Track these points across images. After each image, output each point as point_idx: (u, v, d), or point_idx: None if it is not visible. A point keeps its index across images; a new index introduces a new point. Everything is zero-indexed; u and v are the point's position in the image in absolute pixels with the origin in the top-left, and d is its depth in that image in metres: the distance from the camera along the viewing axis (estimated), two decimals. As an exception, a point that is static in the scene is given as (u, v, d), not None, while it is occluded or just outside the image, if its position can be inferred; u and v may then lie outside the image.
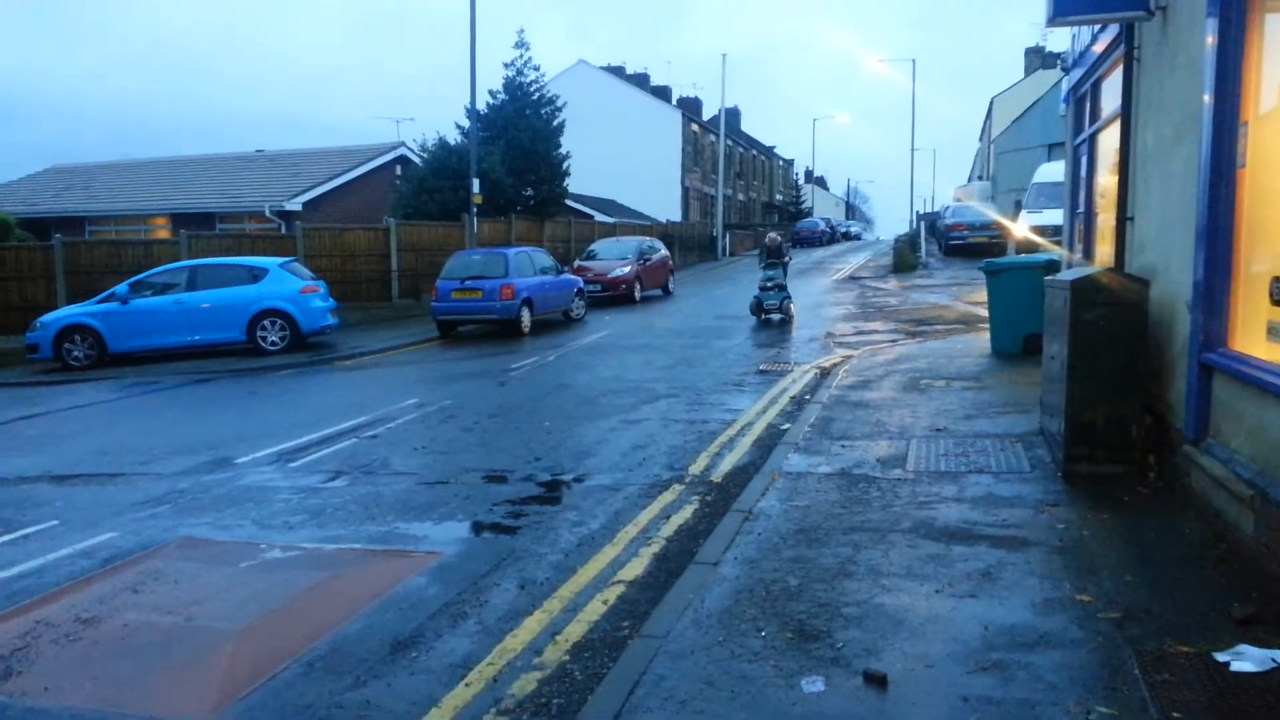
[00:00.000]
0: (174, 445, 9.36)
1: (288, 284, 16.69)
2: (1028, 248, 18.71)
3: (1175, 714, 3.23)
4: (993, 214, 31.95)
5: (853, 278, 29.14)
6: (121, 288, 16.53)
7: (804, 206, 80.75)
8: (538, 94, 31.10)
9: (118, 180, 32.17)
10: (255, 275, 16.69)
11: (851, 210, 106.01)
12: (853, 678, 3.70)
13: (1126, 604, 4.20)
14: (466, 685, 4.08)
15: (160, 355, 16.26)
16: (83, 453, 9.34)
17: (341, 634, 4.66)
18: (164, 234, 26.21)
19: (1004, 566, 4.74)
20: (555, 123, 31.18)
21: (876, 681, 3.63)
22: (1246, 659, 3.47)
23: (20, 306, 19.46)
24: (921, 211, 54.91)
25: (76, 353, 16.01)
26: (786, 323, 17.99)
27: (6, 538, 6.47)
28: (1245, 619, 3.83)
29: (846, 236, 67.40)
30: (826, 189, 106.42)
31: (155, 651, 4.57)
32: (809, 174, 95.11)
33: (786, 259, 18.87)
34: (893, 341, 14.52)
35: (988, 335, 12.33)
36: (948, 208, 38.84)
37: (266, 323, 16.36)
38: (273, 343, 16.35)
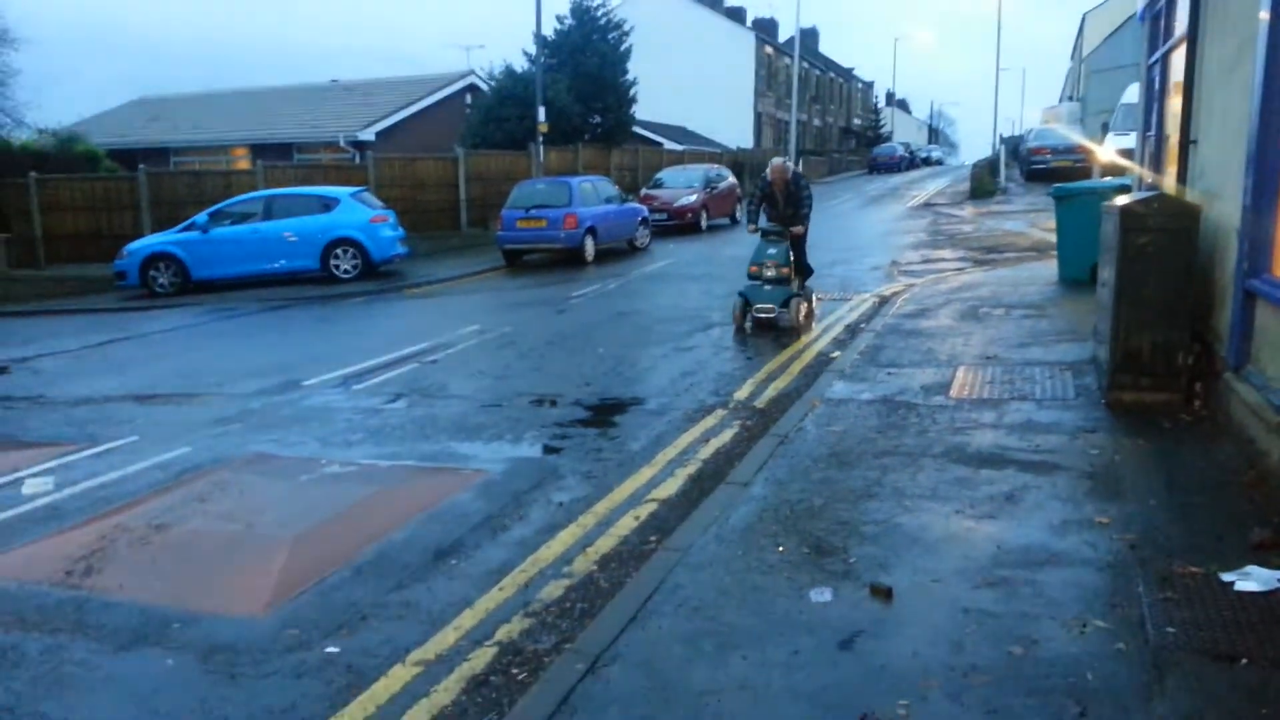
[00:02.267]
0: (247, 368, 9.84)
1: (358, 213, 17.08)
2: (1113, 171, 17.98)
3: (1170, 629, 3.29)
4: (1077, 137, 30.63)
5: (927, 204, 28.43)
6: (201, 217, 17.15)
7: (883, 131, 78.43)
8: (605, 19, 30.69)
9: (200, 111, 32.98)
10: (327, 205, 17.12)
11: (934, 134, 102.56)
12: (860, 590, 3.83)
13: (1144, 527, 4.22)
14: (500, 589, 4.34)
15: (239, 283, 16.89)
16: (164, 374, 9.89)
17: (389, 542, 4.96)
18: (244, 164, 26.90)
19: (1028, 490, 4.78)
20: (623, 48, 30.78)
21: (882, 594, 3.76)
22: (1252, 579, 3.50)
23: (109, 235, 20.29)
24: (1005, 135, 52.91)
25: (161, 280, 16.74)
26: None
27: (91, 451, 6.98)
28: (1260, 544, 3.83)
29: (927, 162, 65.35)
30: (909, 112, 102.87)
31: (218, 555, 4.96)
32: (890, 97, 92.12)
33: (804, 213, 10.50)
34: (959, 270, 14.25)
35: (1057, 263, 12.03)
36: (1031, 131, 37.37)
37: (339, 251, 16.82)
38: (345, 271, 16.83)
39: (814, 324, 10.32)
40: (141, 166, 22.23)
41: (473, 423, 7.26)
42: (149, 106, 35.17)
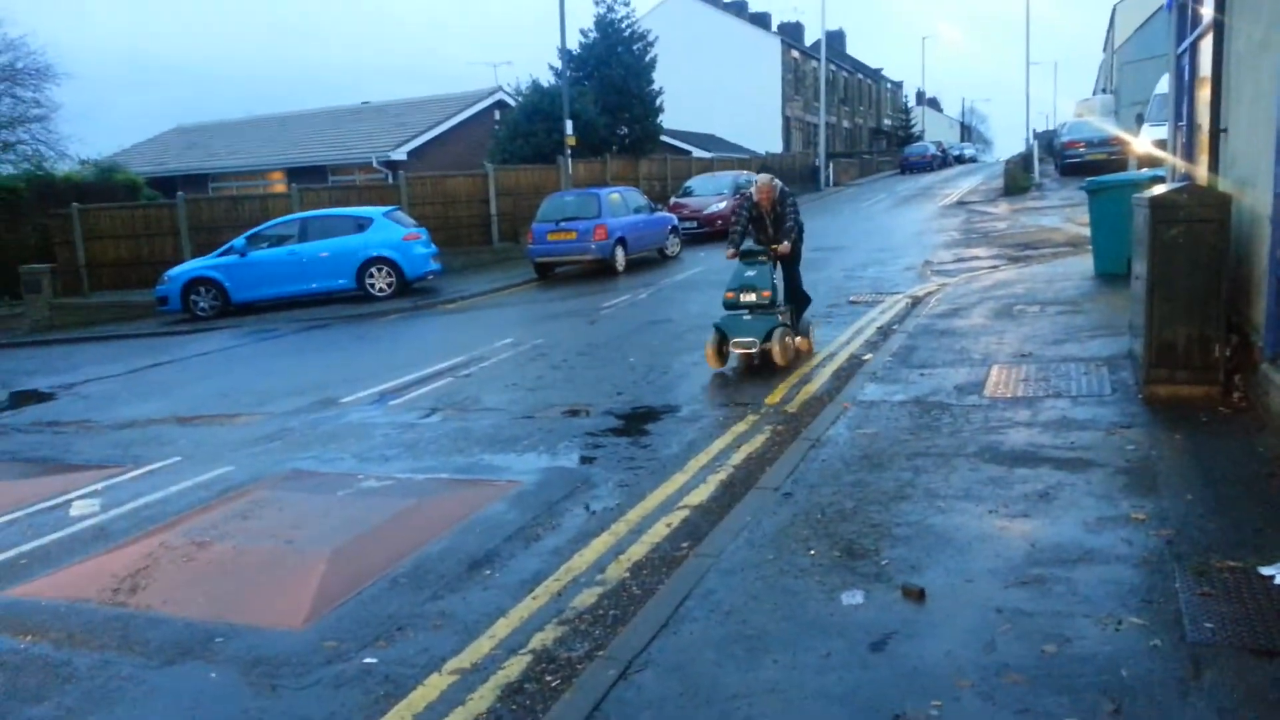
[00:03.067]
0: (286, 387, 10.01)
1: (391, 232, 17.31)
2: (1149, 163, 17.67)
3: (1208, 625, 3.24)
4: (1112, 129, 30.20)
5: (960, 203, 28.16)
6: (239, 241, 17.48)
7: (914, 130, 77.81)
8: (629, 30, 30.83)
9: (237, 138, 33.66)
10: (361, 225, 17.37)
11: (967, 132, 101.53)
12: (892, 592, 3.82)
13: (1181, 522, 4.16)
14: (533, 599, 4.39)
15: (278, 304, 17.19)
16: (205, 395, 10.10)
17: (424, 554, 5.03)
18: (280, 188, 27.39)
19: (1063, 488, 4.73)
20: (648, 58, 30.91)
21: (914, 595, 3.74)
22: (1292, 574, 3.43)
23: (150, 261, 20.74)
24: (1039, 130, 52.28)
25: (202, 304, 17.09)
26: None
27: (136, 472, 7.14)
28: (1301, 536, 3.76)
29: (960, 160, 64.72)
30: (940, 110, 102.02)
31: (259, 570, 5.05)
32: (920, 95, 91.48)
33: (788, 228, 8.80)
34: (993, 267, 14.12)
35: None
36: (1064, 124, 36.89)
37: (374, 270, 17.05)
38: (380, 289, 17.06)
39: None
40: (180, 193, 22.71)
41: (506, 435, 7.32)
42: (186, 135, 35.95)
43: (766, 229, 8.92)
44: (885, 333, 9.79)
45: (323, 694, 3.69)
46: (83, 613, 4.66)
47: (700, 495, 5.56)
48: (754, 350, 8.43)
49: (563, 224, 17.96)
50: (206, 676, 3.91)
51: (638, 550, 4.84)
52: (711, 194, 24.34)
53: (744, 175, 26.45)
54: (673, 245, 20.29)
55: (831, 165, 45.56)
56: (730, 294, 8.69)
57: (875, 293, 12.72)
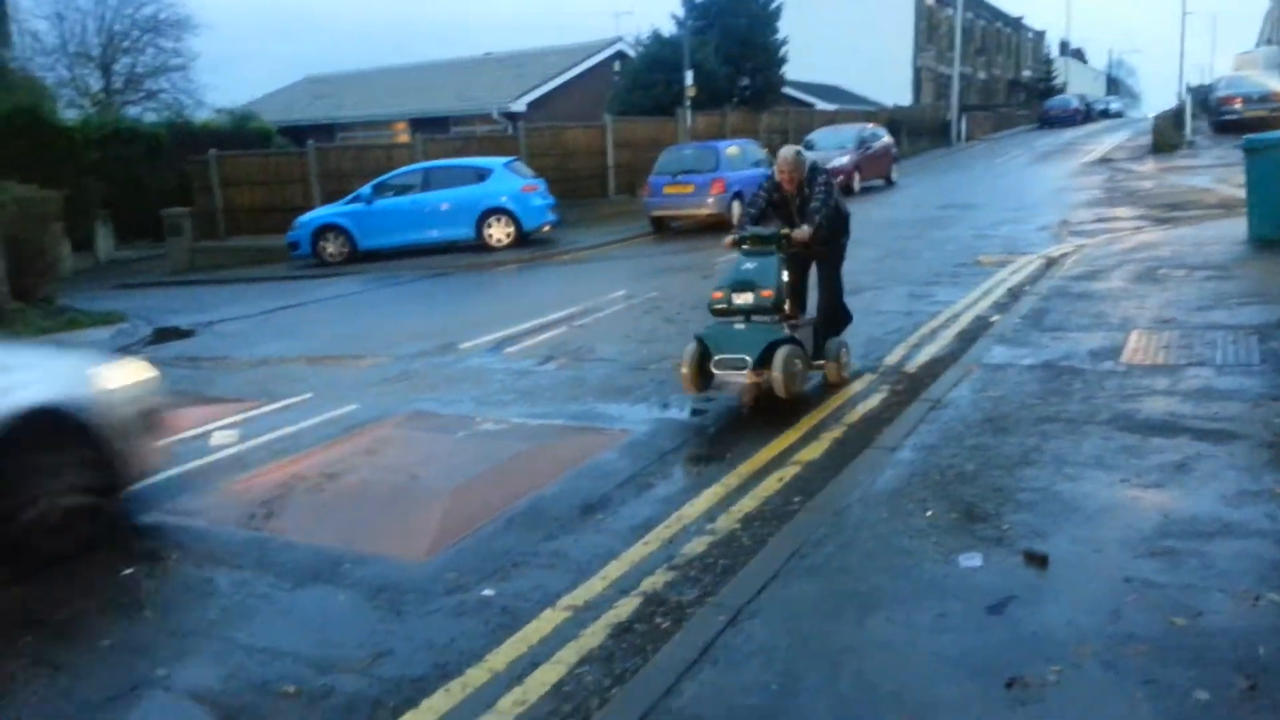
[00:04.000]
0: (409, 332, 10.34)
1: (510, 183, 17.56)
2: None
3: (1362, 610, 3.03)
4: (1274, 84, 27.95)
5: (1104, 160, 26.65)
6: (365, 190, 18.05)
7: (1055, 83, 73.52)
8: (755, -23, 30.11)
9: (363, 88, 34.60)
10: (481, 175, 17.67)
11: (1113, 85, 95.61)
12: (1013, 557, 3.71)
13: (1336, 500, 3.88)
14: (644, 544, 4.44)
15: (401, 252, 17.72)
16: (333, 337, 10.54)
17: (539, 496, 5.15)
18: (404, 138, 28.08)
19: (1201, 459, 4.47)
20: (773, 6, 30.14)
21: (1037, 561, 3.62)
22: None
23: (280, 208, 21.62)
24: (1192, 85, 48.76)
25: (330, 249, 17.76)
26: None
27: (271, 407, 7.53)
28: None
29: (1105, 114, 60.96)
30: (1084, 62, 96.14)
31: (383, 503, 5.28)
32: (1064, 46, 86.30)
33: (813, 208, 6.55)
34: (1136, 229, 13.35)
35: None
36: (1221, 79, 34.30)
37: (492, 220, 17.34)
38: (498, 239, 17.36)
39: (974, 289, 9.48)
40: (310, 142, 23.55)
41: (619, 384, 7.39)
42: (315, 85, 37.14)
43: (792, 216, 6.79)
44: (1015, 294, 9.41)
45: (444, 621, 3.84)
46: (223, 535, 4.97)
47: (813, 452, 5.50)
48: (744, 373, 6.09)
49: (679, 177, 17.84)
50: (335, 599, 4.12)
51: (748, 503, 4.83)
52: (834, 148, 23.68)
53: (869, 128, 25.66)
54: (791, 200, 19.90)
55: (965, 119, 43.73)
56: (718, 294, 6.38)
57: (1006, 253, 12.20)
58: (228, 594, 4.28)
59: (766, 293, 6.25)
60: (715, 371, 6.23)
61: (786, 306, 6.50)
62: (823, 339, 6.81)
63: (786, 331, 6.33)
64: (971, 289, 9.97)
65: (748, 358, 6.07)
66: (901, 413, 5.83)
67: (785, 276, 6.46)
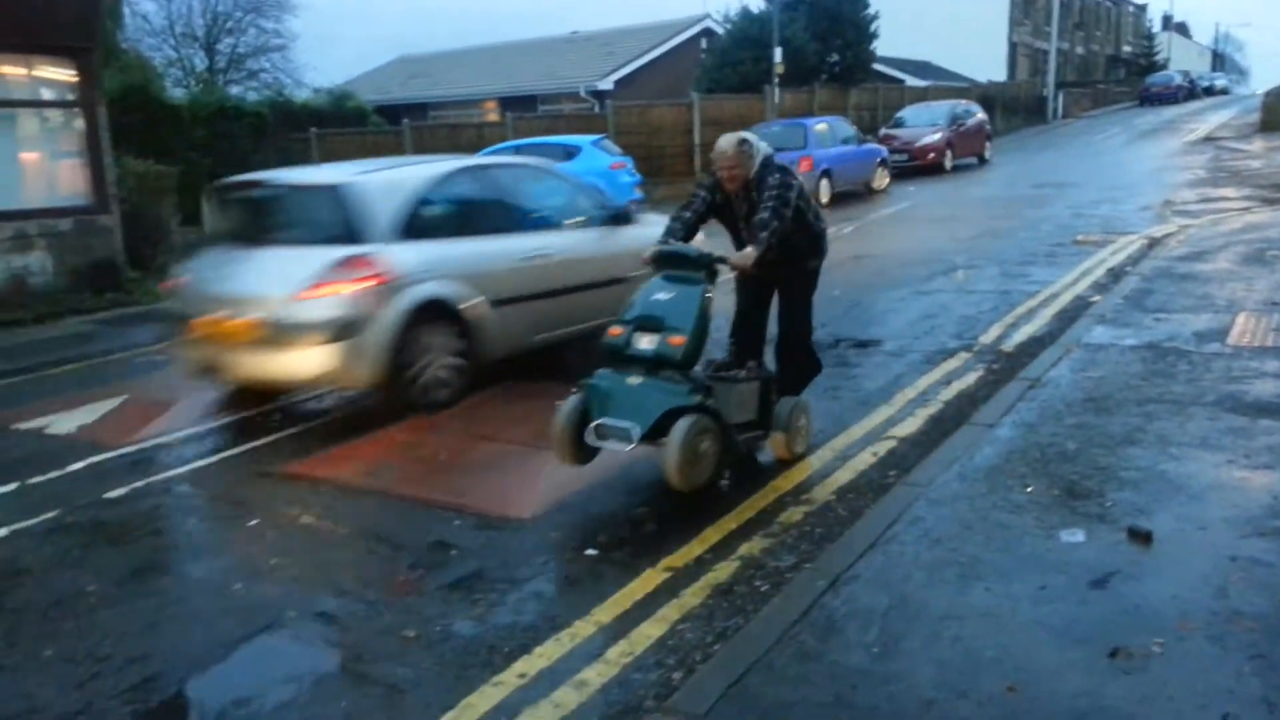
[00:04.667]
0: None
1: (598, 161, 17.69)
2: None
3: None
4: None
5: (1208, 138, 25.56)
6: (459, 167, 18.38)
7: (1157, 59, 70.37)
8: (846, -50, 29.57)
9: (454, 67, 35.21)
10: (569, 153, 17.84)
11: (1219, 60, 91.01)
12: (1116, 534, 3.71)
13: None
14: (740, 512, 4.54)
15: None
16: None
17: (633, 461, 5.22)
18: (494, 117, 28.51)
19: (1316, 442, 4.38)
20: (864, -19, 29.61)
21: (1140, 538, 3.62)
22: None
23: (379, 186, 22.22)
24: (1309, 57, 46.07)
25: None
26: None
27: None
28: None
29: (1210, 91, 58.11)
30: (1188, 37, 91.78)
31: (491, 466, 5.49)
32: (1166, 20, 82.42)
33: (761, 221, 4.73)
34: (1244, 209, 12.87)
35: (1365, 200, 10.59)
36: (1343, 50, 32.38)
37: (581, 197, 17.51)
38: (586, 216, 17.53)
39: (1073, 269, 9.36)
40: (405, 121, 24.09)
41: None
42: (408, 65, 37.91)
43: (739, 220, 5.09)
44: (1116, 275, 9.20)
45: (550, 577, 4.03)
46: (345, 487, 5.24)
47: (908, 428, 5.53)
48: (629, 445, 4.39)
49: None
50: (449, 554, 4.33)
51: (843, 475, 4.90)
52: (925, 125, 23.27)
53: (961, 105, 25.09)
54: (881, 179, 19.65)
55: (1062, 95, 42.29)
56: (616, 330, 4.68)
57: (1106, 233, 11.89)
58: (342, 545, 4.54)
59: (676, 340, 4.48)
60: (589, 443, 4.54)
61: (727, 350, 5.12)
62: (775, 398, 5.03)
63: (696, 397, 4.46)
64: (1070, 269, 9.77)
65: (634, 428, 4.35)
66: (998, 391, 5.81)
67: (754, 308, 5.25)
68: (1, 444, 6.45)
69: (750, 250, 4.72)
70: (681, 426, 4.32)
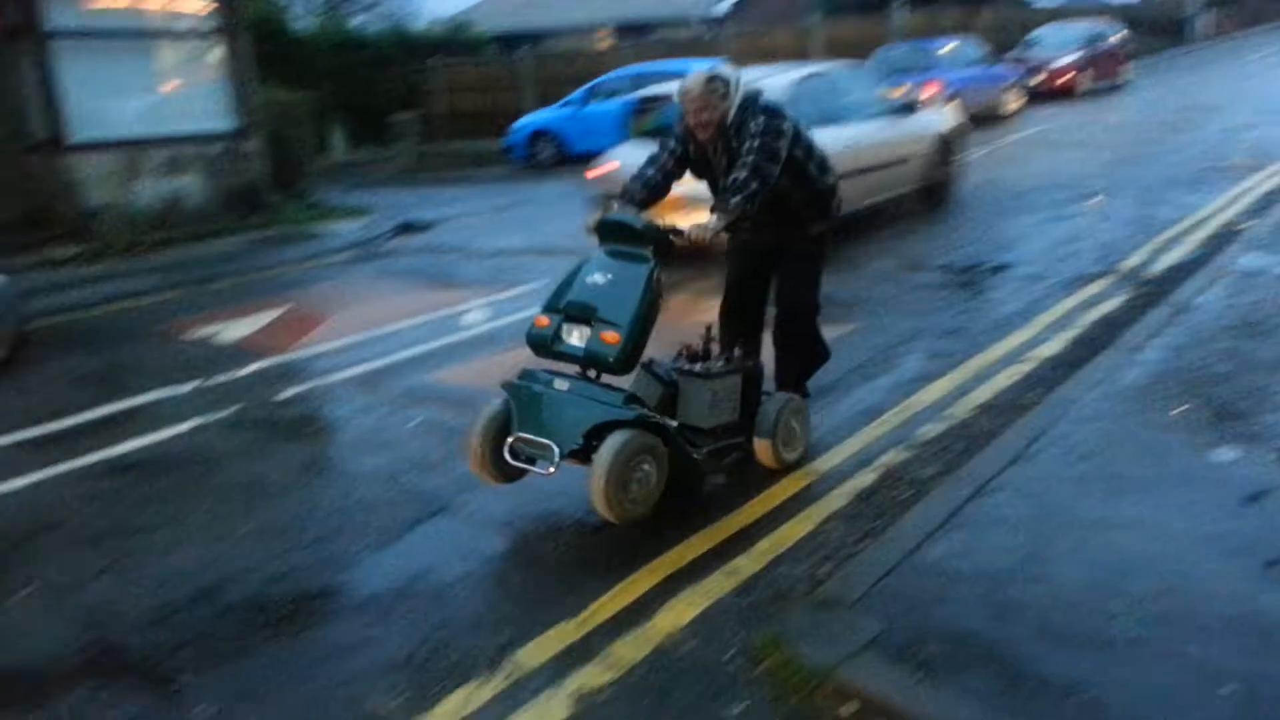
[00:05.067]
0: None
1: (719, 85, 17.53)
2: None
3: None
4: None
5: (1377, 58, 23.50)
6: (576, 95, 18.48)
7: (1322, -30, 64.39)
8: None
9: (567, -5, 35.00)
10: (688, 78, 17.72)
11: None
12: (1269, 454, 3.68)
13: None
14: (877, 425, 4.65)
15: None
16: (558, 233, 11.09)
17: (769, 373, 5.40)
18: (607, 44, 28.36)
19: None
20: (998, -107, 27.93)
21: (1298, 458, 3.57)
22: None
23: (492, 113, 22.49)
24: None
25: (544, 154, 18.44)
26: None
27: (512, 292, 8.15)
28: None
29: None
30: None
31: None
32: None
33: (737, 184, 3.79)
34: None
35: None
36: None
37: (701, 123, 17.39)
38: (703, 142, 17.44)
39: (1221, 195, 8.96)
40: (525, 47, 24.20)
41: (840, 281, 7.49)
42: (522, -7, 37.81)
43: (715, 172, 4.13)
44: (1270, 201, 8.71)
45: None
46: (479, 394, 5.52)
47: (1048, 350, 5.48)
48: (550, 466, 3.59)
49: (894, 78, 17.20)
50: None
51: (982, 393, 4.92)
52: (1058, 47, 22.05)
53: (1099, 26, 23.65)
54: (1012, 102, 18.83)
55: (1211, 13, 39.26)
56: (543, 319, 3.90)
57: (1257, 157, 11.19)
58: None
59: (610, 337, 3.63)
60: (508, 459, 3.77)
61: (712, 343, 4.13)
62: (760, 397, 4.17)
63: (633, 409, 3.63)
64: (1217, 195, 9.30)
65: (555, 446, 3.58)
66: (1144, 316, 5.68)
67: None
68: (176, 349, 7.05)
69: (713, 219, 3.79)
70: (611, 445, 3.47)
